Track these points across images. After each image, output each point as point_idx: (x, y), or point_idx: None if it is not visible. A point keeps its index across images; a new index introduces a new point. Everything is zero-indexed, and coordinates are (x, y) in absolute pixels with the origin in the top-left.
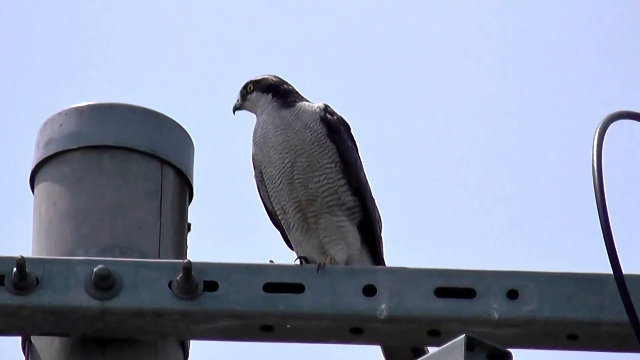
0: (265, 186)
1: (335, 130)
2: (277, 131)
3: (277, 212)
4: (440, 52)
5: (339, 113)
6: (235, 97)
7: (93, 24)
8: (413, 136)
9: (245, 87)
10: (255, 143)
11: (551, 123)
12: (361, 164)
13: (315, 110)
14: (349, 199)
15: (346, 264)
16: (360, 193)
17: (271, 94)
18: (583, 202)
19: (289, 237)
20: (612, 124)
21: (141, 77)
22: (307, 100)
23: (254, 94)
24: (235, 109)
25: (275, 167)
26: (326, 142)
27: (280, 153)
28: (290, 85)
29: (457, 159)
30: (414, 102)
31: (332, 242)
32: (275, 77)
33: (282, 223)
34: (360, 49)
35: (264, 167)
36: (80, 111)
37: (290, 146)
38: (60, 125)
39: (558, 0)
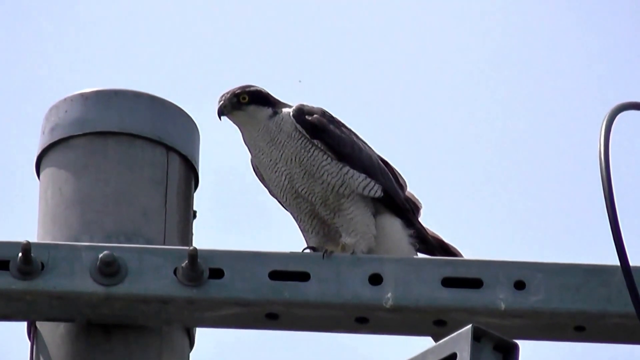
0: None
1: (319, 128)
2: (268, 147)
3: (294, 218)
4: (450, 50)
5: (315, 106)
6: (220, 100)
7: (99, 10)
8: (422, 125)
9: (236, 95)
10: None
11: (559, 115)
12: (358, 143)
13: (292, 115)
14: (359, 180)
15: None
16: (368, 171)
17: (270, 107)
18: (591, 194)
19: (307, 240)
20: (620, 115)
21: (147, 63)
22: (288, 106)
23: (252, 106)
24: (222, 114)
25: (276, 185)
26: (312, 145)
27: (275, 171)
28: (273, 96)
29: (465, 150)
30: (422, 98)
31: (352, 232)
32: (262, 88)
33: (300, 227)
34: (360, 47)
35: (270, 186)
36: (85, 97)
37: (283, 160)
38: (66, 111)
39: None
